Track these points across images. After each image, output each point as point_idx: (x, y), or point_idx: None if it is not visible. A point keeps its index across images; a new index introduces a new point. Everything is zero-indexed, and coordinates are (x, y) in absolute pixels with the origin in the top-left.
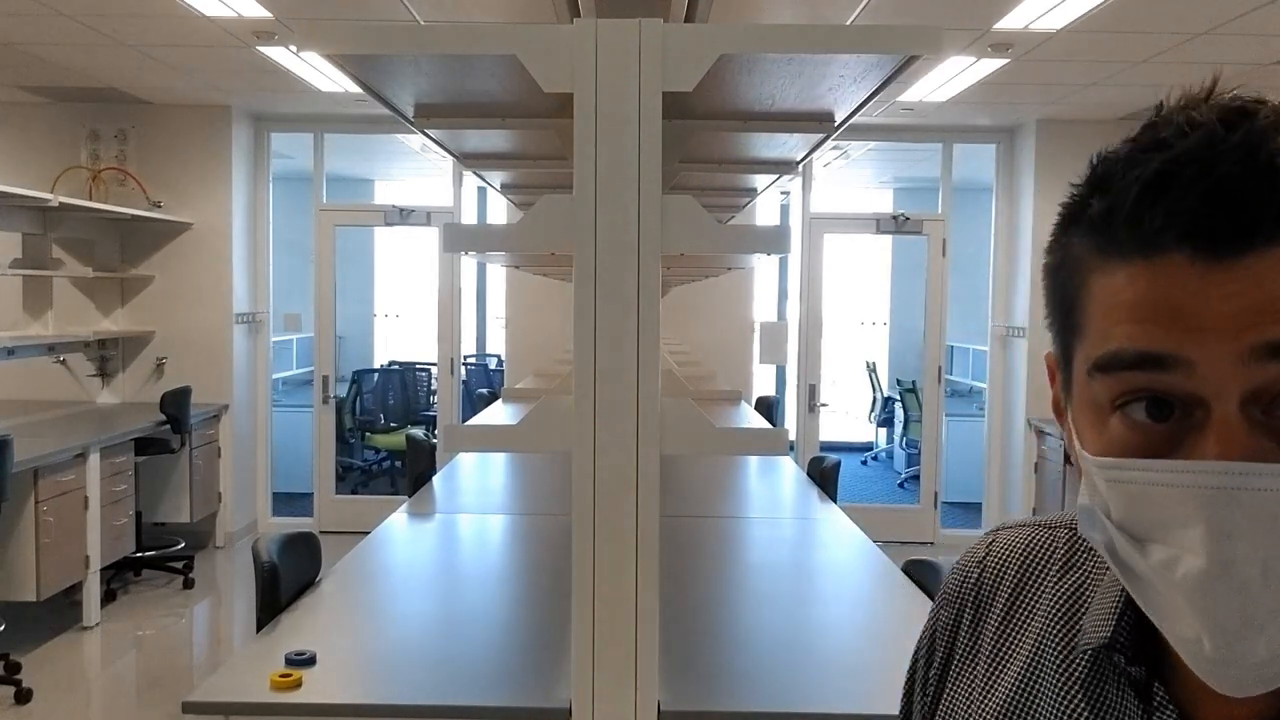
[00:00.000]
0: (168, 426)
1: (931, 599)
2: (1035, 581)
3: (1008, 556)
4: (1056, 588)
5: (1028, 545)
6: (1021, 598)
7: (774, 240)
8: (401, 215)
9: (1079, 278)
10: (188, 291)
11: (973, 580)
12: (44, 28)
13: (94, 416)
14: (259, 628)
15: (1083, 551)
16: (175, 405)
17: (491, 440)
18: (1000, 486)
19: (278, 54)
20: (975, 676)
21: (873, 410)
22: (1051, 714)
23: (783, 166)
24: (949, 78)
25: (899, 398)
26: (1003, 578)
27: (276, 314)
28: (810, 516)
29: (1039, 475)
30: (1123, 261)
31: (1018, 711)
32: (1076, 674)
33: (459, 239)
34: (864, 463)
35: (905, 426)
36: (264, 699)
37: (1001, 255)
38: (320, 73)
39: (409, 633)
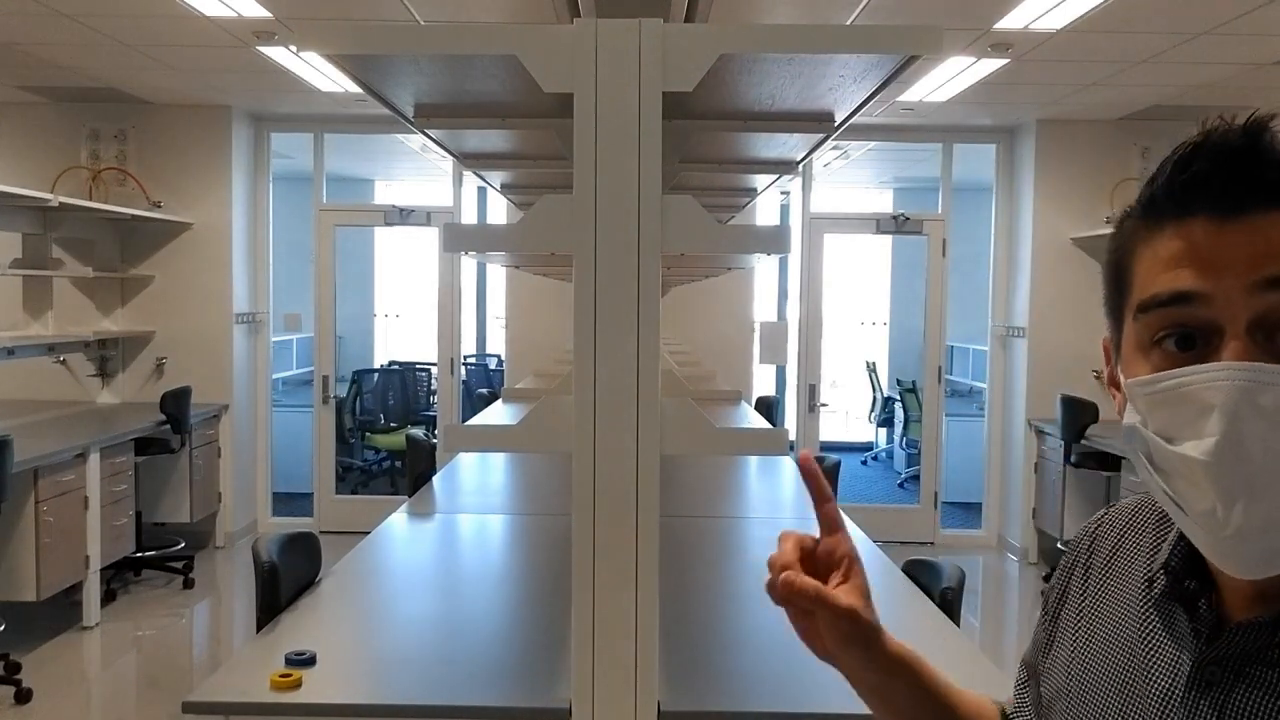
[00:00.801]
0: (168, 426)
1: (931, 599)
2: (1136, 533)
3: (1120, 514)
4: (1150, 538)
5: (1133, 511)
6: (1123, 545)
7: (774, 240)
8: (401, 215)
9: (1130, 252)
10: (188, 291)
11: (1089, 533)
12: (44, 28)
13: (94, 416)
14: (259, 628)
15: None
16: (175, 405)
17: (491, 440)
18: (1000, 486)
19: (278, 54)
20: (1083, 611)
21: (873, 410)
22: (1134, 630)
23: (783, 166)
24: (949, 78)
25: (899, 398)
26: (1111, 529)
27: (276, 314)
28: (810, 517)
29: (1039, 475)
30: (1161, 229)
31: (1108, 637)
32: (1152, 595)
33: (459, 239)
34: (864, 463)
35: (905, 426)
36: (264, 699)
37: (1001, 255)
38: (320, 73)
39: (409, 633)
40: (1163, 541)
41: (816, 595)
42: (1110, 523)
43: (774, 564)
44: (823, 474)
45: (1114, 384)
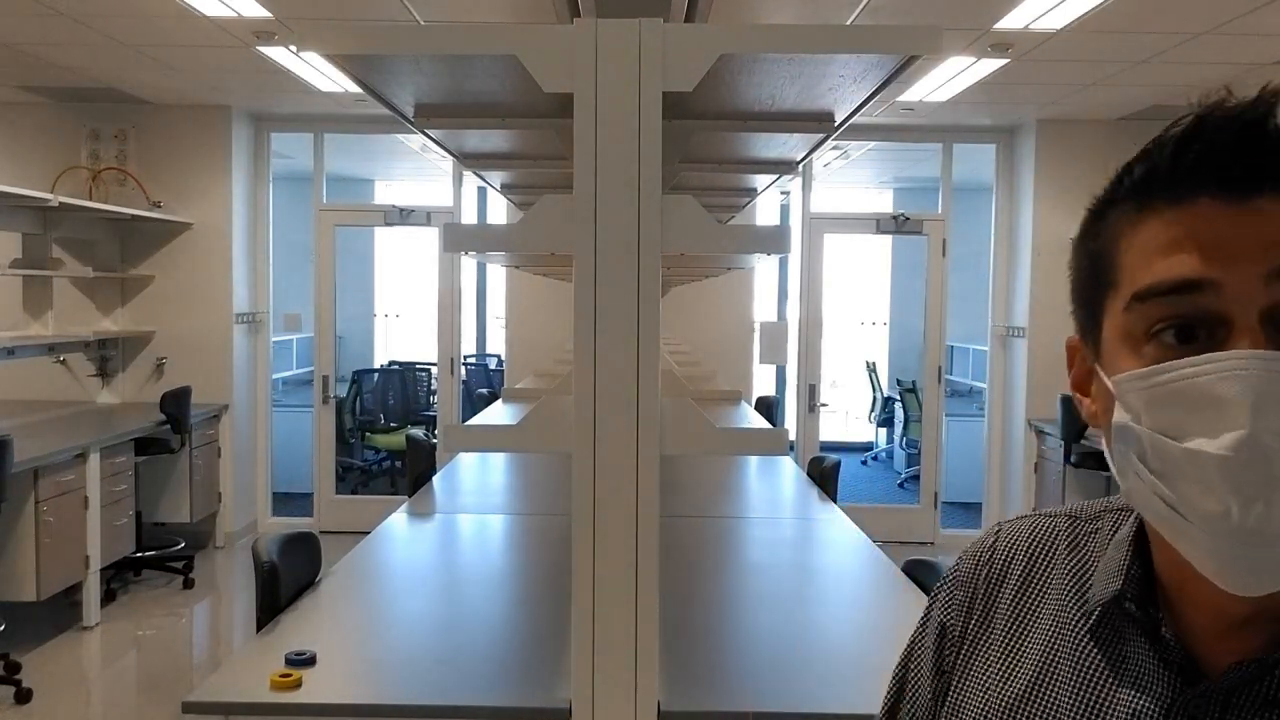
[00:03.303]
0: (168, 426)
1: None
2: (1045, 561)
3: (1016, 542)
4: (1065, 565)
5: (1033, 531)
6: (1033, 577)
7: (774, 240)
8: (401, 215)
9: (1115, 239)
10: (188, 291)
11: (984, 562)
12: (44, 28)
13: (94, 416)
14: (259, 628)
15: (1085, 534)
16: (175, 405)
17: (491, 440)
18: (1000, 486)
19: (278, 54)
20: (991, 654)
21: (873, 410)
22: (1071, 673)
23: (783, 166)
24: (949, 78)
25: (899, 398)
26: (1013, 560)
27: (276, 314)
28: (810, 516)
29: (1039, 475)
30: (1157, 214)
31: (1043, 679)
32: (1086, 632)
33: (459, 239)
34: (864, 463)
35: (905, 426)
36: (264, 699)
37: (1001, 255)
38: (320, 73)
39: (409, 633)
40: (1086, 568)
41: None
42: (1005, 554)
43: None
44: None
45: (1081, 388)
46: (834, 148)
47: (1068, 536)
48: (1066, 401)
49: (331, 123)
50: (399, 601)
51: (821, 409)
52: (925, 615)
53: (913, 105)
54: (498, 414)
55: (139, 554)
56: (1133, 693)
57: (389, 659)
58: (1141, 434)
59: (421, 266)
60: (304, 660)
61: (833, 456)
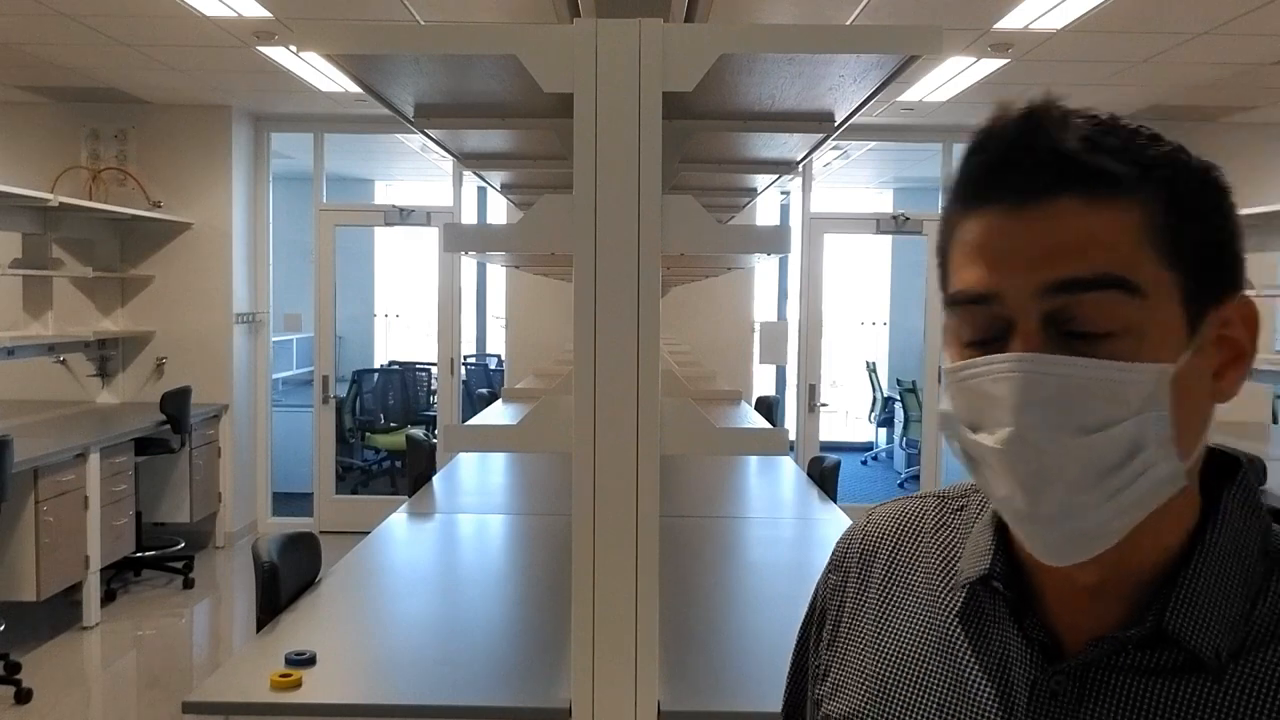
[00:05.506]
0: (168, 426)
1: None
2: (912, 541)
3: (885, 524)
4: (933, 545)
5: (902, 513)
6: (899, 556)
7: (774, 240)
8: (401, 215)
9: (949, 239)
10: (188, 291)
11: (856, 546)
12: (44, 28)
13: (94, 416)
14: (259, 628)
15: (951, 513)
16: (175, 405)
17: (491, 440)
18: None
19: (278, 54)
20: (864, 629)
21: (873, 410)
22: (939, 652)
23: (783, 166)
24: (949, 78)
25: (899, 398)
26: (882, 542)
27: (276, 314)
28: (810, 516)
29: None
30: (965, 214)
31: (913, 658)
32: (954, 610)
33: (459, 239)
34: (864, 463)
35: (905, 426)
36: (264, 699)
37: None
38: (320, 73)
39: (409, 633)
40: (954, 548)
41: None
42: (875, 535)
43: None
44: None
45: None
46: (834, 148)
47: (935, 516)
48: None
49: (331, 123)
50: (399, 601)
51: (821, 409)
52: (810, 600)
53: (913, 105)
54: (498, 414)
55: (139, 554)
56: (999, 670)
57: (389, 659)
58: (956, 423)
59: (421, 266)
60: (304, 660)
61: (833, 456)
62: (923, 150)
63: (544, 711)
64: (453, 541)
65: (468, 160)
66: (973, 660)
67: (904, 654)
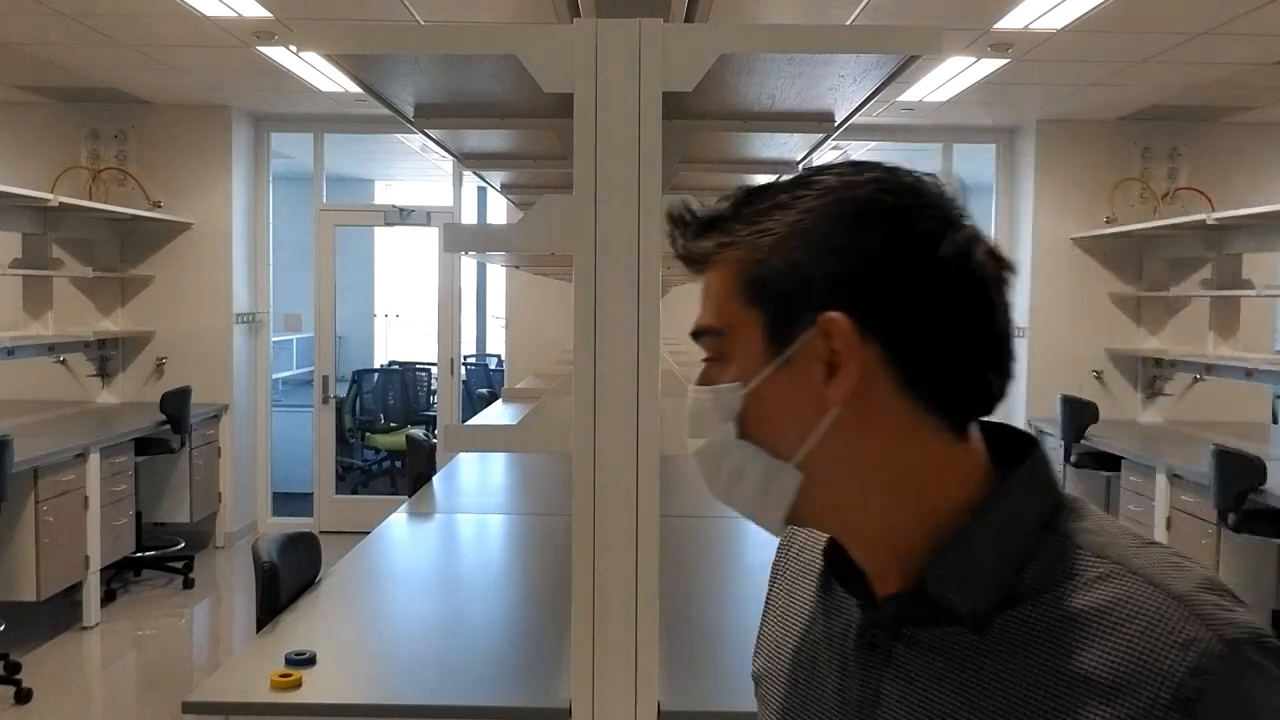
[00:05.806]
0: (168, 426)
1: None
2: (807, 533)
3: None
4: (817, 534)
5: None
6: (803, 543)
7: None
8: (401, 215)
9: None
10: (188, 291)
11: (788, 531)
12: (44, 28)
13: (94, 416)
14: (259, 628)
15: None
16: (175, 405)
17: (491, 440)
18: None
19: (278, 54)
20: (779, 598)
21: None
22: (811, 612)
23: (782, 166)
24: (949, 78)
25: None
26: (799, 533)
27: (276, 314)
28: None
29: None
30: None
31: (794, 616)
32: (819, 579)
33: (459, 239)
34: None
35: None
36: (264, 699)
37: None
38: (320, 73)
39: (409, 633)
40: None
41: None
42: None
43: None
44: None
45: None
46: (834, 148)
47: None
48: (1067, 401)
49: (331, 123)
50: (399, 601)
51: None
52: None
53: (913, 105)
54: (498, 414)
55: (139, 554)
56: (843, 629)
57: (389, 659)
58: None
59: (421, 266)
60: (304, 660)
61: None
62: (923, 150)
63: (544, 711)
64: (453, 542)
65: (468, 160)
66: (824, 621)
67: (790, 616)
